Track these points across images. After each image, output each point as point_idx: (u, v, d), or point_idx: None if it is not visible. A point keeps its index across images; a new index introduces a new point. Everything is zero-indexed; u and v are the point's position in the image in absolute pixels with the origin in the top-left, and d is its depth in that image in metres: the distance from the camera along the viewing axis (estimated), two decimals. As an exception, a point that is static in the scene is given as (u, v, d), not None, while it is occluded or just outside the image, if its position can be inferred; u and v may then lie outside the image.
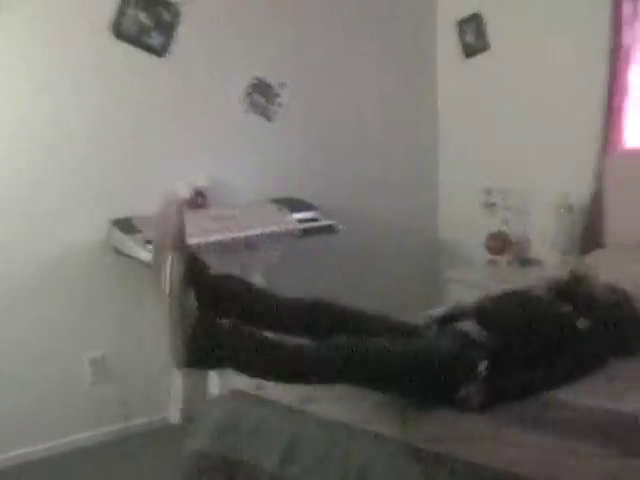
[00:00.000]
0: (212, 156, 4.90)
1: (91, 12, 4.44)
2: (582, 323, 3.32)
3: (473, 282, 4.96)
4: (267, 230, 4.59)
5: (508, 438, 2.70)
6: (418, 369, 2.86)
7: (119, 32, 4.52)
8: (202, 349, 2.70)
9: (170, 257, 2.75)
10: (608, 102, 4.70)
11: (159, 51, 4.66)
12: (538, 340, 3.16)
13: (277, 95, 5.05)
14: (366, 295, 5.37)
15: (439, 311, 3.43)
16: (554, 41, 5.00)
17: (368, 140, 5.53)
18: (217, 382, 4.46)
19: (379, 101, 5.56)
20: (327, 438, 2.85)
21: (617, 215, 4.61)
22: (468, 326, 3.15)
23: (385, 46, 5.54)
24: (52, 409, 4.58)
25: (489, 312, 3.29)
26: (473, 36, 5.48)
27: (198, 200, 4.72)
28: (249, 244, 4.54)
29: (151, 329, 4.75)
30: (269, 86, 5.01)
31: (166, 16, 4.62)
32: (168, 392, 4.82)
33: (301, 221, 4.75)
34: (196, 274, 2.96)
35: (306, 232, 4.72)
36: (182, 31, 4.70)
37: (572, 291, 3.51)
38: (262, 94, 5.00)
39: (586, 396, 3.03)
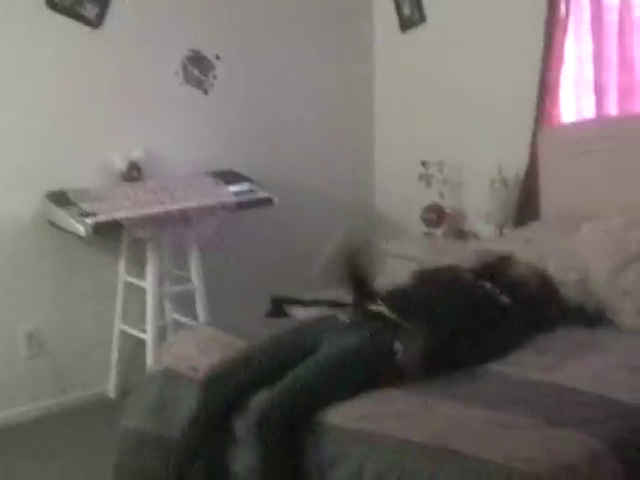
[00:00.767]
0: (148, 129, 4.86)
1: (23, -17, 4.38)
2: (505, 299, 3.38)
3: (408, 255, 4.98)
4: (203, 203, 4.59)
5: (438, 412, 2.74)
6: (341, 376, 2.93)
7: (53, 3, 4.46)
8: None
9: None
10: (543, 75, 4.72)
11: (94, 22, 4.60)
12: (464, 313, 3.23)
13: (212, 67, 5.02)
14: (302, 267, 5.40)
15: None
16: (490, 13, 5.02)
17: (303, 113, 5.51)
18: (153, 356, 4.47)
19: (315, 74, 5.53)
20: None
21: (552, 188, 4.66)
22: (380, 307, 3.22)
23: (321, 19, 5.51)
24: (-14, 384, 4.56)
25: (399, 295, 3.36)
26: (410, 9, 5.47)
27: (133, 173, 4.69)
28: (184, 217, 4.52)
29: (85, 302, 4.75)
30: (204, 58, 4.98)
31: (101, -13, 4.58)
32: (104, 366, 4.81)
33: (237, 194, 4.75)
34: None
35: (242, 205, 4.72)
36: (117, 2, 4.65)
37: (497, 272, 3.58)
38: (197, 66, 4.97)
39: (516, 369, 3.09)
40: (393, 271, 4.75)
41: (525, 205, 4.86)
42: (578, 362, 3.13)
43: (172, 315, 4.93)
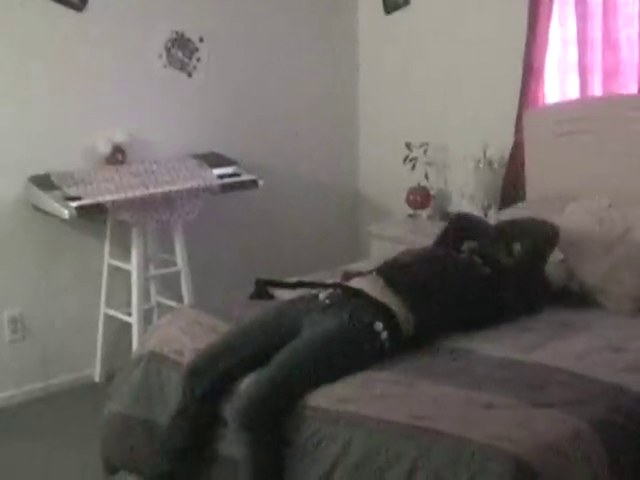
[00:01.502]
0: (131, 112, 4.84)
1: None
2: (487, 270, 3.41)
3: (393, 237, 4.99)
4: (186, 186, 4.58)
5: (421, 393, 2.75)
6: (323, 359, 2.93)
7: (36, -14, 4.45)
8: None
9: None
10: (528, 56, 4.72)
11: (77, 5, 4.58)
12: (460, 286, 3.28)
13: (196, 50, 4.99)
14: (287, 251, 5.44)
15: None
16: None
17: (288, 95, 5.49)
18: (138, 339, 4.46)
19: (299, 56, 5.52)
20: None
21: (537, 169, 4.66)
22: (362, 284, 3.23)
23: (305, 1, 5.50)
24: (-29, 369, 4.55)
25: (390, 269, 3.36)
26: (394, -10, 5.46)
27: (117, 156, 4.67)
28: (168, 200, 4.51)
29: (70, 286, 4.74)
30: (188, 40, 4.96)
31: (84, -31, 4.56)
32: (89, 349, 4.80)
33: (221, 176, 4.74)
34: None
35: (226, 187, 4.71)
36: (100, -16, 4.64)
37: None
38: (181, 49, 4.95)
39: (499, 349, 3.10)
40: (378, 253, 4.76)
41: (510, 186, 4.86)
42: (562, 342, 3.14)
43: (157, 298, 4.94)
